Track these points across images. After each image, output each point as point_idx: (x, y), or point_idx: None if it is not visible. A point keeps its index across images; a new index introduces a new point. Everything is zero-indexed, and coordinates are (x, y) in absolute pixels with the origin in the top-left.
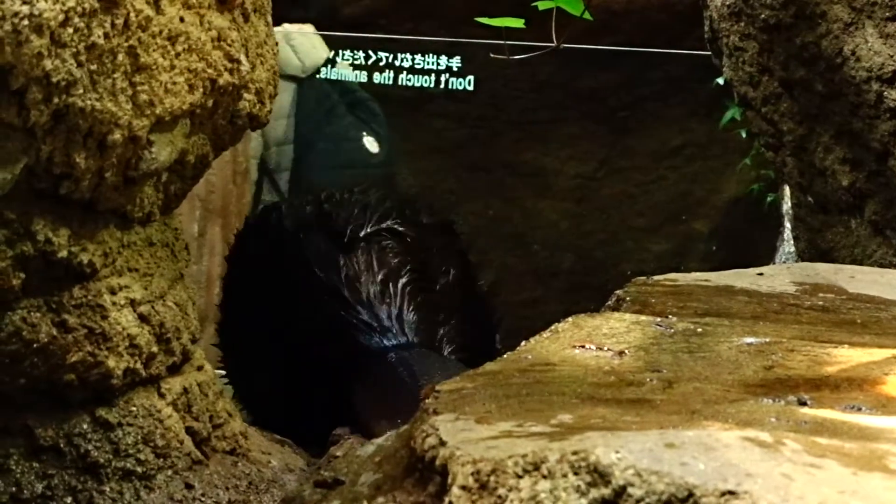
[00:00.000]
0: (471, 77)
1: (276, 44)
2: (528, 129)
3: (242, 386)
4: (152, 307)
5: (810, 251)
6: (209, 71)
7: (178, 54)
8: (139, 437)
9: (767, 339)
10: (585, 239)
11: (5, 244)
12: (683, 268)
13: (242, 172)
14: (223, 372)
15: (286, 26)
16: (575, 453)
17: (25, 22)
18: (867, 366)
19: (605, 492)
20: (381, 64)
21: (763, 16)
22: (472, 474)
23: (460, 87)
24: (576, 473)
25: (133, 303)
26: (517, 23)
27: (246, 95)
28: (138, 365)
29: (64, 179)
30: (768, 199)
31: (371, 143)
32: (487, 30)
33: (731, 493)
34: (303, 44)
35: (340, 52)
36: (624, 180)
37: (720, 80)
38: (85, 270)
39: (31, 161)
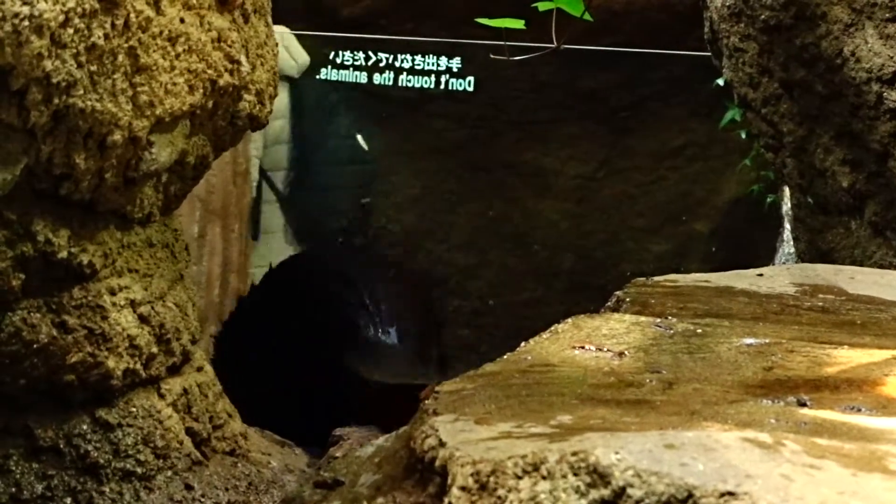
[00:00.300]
0: (471, 78)
1: (277, 45)
2: (529, 129)
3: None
4: (152, 308)
5: (810, 252)
6: (209, 72)
7: (178, 55)
8: (139, 438)
9: (767, 340)
10: (585, 239)
11: (5, 245)
12: (683, 268)
13: (242, 173)
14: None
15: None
16: (575, 454)
17: (26, 23)
18: (867, 367)
19: (605, 492)
20: (382, 65)
21: (763, 17)
22: (472, 475)
23: (460, 88)
24: (575, 474)
25: (133, 303)
26: (517, 24)
27: (246, 96)
28: (138, 366)
29: (64, 180)
30: (768, 199)
31: (363, 141)
32: (487, 30)
33: (730, 493)
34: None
35: (340, 52)
36: (624, 181)
37: (720, 81)
38: (85, 271)
39: (32, 162)
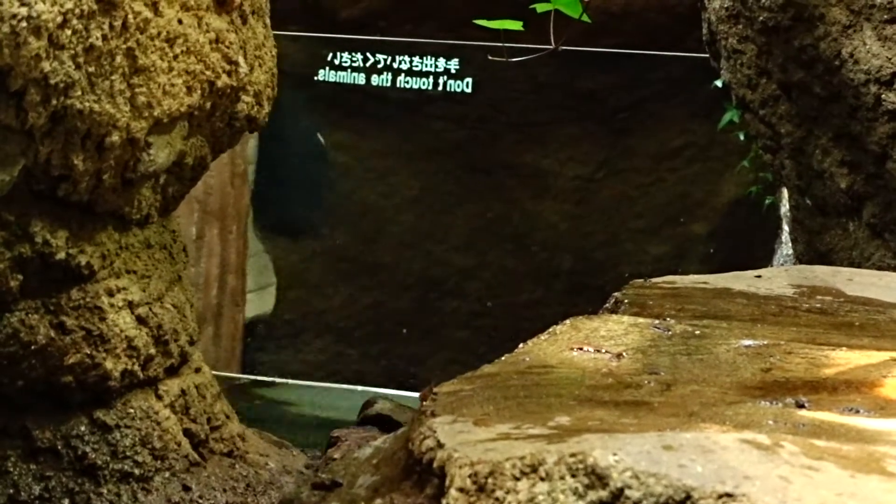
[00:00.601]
0: (469, 79)
1: (275, 46)
2: (527, 130)
3: None
4: (150, 309)
5: (808, 253)
6: (207, 73)
7: (176, 56)
8: (137, 439)
9: (765, 342)
10: (584, 241)
11: (4, 246)
12: (682, 270)
13: (241, 174)
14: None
15: None
16: (573, 455)
17: (24, 24)
18: (865, 368)
19: (603, 494)
20: (380, 66)
21: (761, 18)
22: (470, 476)
23: (459, 90)
24: (573, 475)
25: (131, 305)
26: (516, 25)
27: (244, 97)
28: (136, 367)
29: (62, 181)
30: (766, 201)
31: (322, 138)
32: (486, 32)
33: (728, 495)
34: None
35: (338, 54)
36: (623, 182)
37: (718, 83)
38: (83, 272)
39: (30, 163)
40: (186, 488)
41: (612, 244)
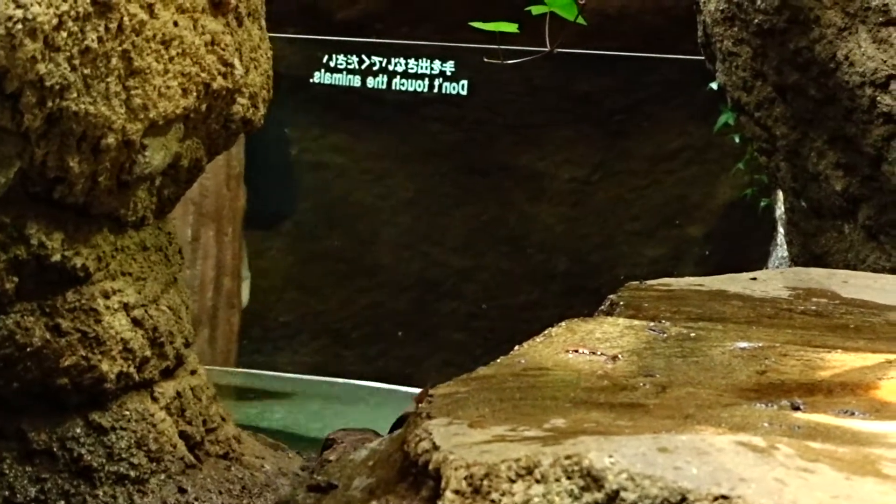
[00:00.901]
0: (465, 81)
1: (270, 48)
2: (523, 132)
3: None
4: (146, 311)
5: (804, 256)
6: (203, 75)
7: (171, 58)
8: (132, 441)
9: (761, 344)
10: (580, 243)
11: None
12: (677, 272)
13: (236, 176)
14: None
15: None
16: (568, 457)
17: (19, 26)
18: (860, 370)
19: (599, 496)
20: (376, 68)
21: (756, 21)
22: (466, 478)
23: (454, 92)
24: (569, 478)
25: (126, 307)
26: (511, 27)
27: (240, 100)
28: (132, 369)
29: (58, 183)
30: (762, 203)
31: (291, 134)
32: (481, 34)
33: (724, 497)
34: None
35: (334, 56)
36: (619, 184)
37: (713, 85)
38: (78, 274)
39: (25, 165)
40: (182, 490)
41: (608, 246)
